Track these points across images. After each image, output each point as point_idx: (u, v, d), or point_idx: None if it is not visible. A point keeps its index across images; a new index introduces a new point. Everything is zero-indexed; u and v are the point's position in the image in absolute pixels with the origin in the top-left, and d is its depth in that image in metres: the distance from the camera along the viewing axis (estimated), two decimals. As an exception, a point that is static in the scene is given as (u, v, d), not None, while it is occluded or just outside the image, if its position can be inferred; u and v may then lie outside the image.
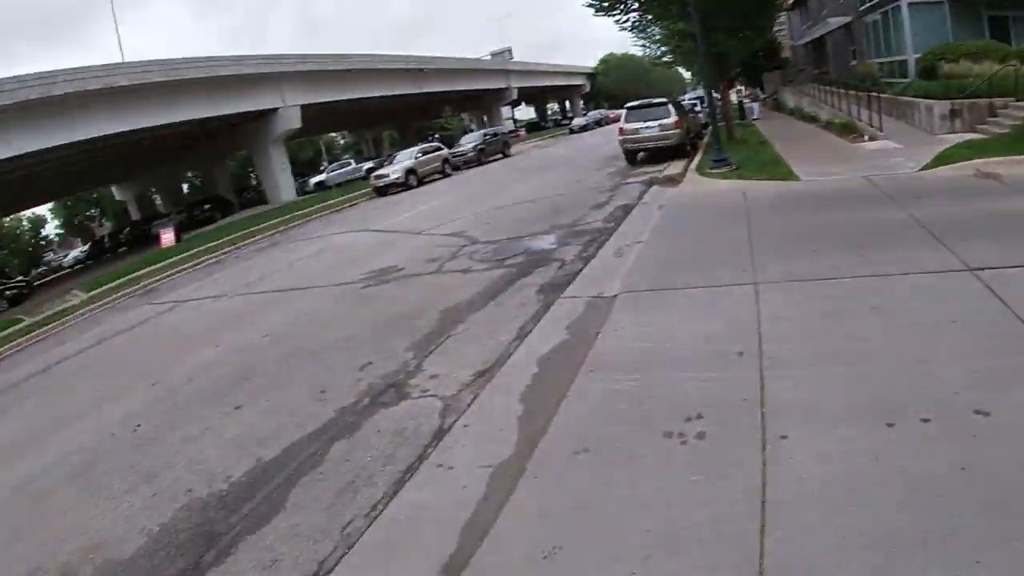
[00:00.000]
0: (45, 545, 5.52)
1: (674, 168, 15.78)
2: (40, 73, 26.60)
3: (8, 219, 67.86)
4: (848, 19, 28.65)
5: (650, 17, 20.53)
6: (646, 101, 19.89)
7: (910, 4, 21.11)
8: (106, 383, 9.93)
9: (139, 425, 7.44)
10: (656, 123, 18.27)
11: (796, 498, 3.47)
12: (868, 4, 24.80)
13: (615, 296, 7.02)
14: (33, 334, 18.38)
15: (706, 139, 21.28)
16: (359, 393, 6.48)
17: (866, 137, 16.27)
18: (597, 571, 3.35)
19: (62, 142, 28.46)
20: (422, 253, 12.22)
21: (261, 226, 27.05)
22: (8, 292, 29.91)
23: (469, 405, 5.53)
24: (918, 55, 19.99)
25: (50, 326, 18.80)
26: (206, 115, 34.81)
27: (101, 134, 30.07)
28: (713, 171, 14.02)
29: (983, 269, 5.93)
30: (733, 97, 33.67)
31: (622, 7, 19.57)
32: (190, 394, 7.99)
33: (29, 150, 27.31)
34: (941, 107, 15.16)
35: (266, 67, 37.81)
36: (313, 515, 4.67)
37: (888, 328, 5.25)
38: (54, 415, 9.23)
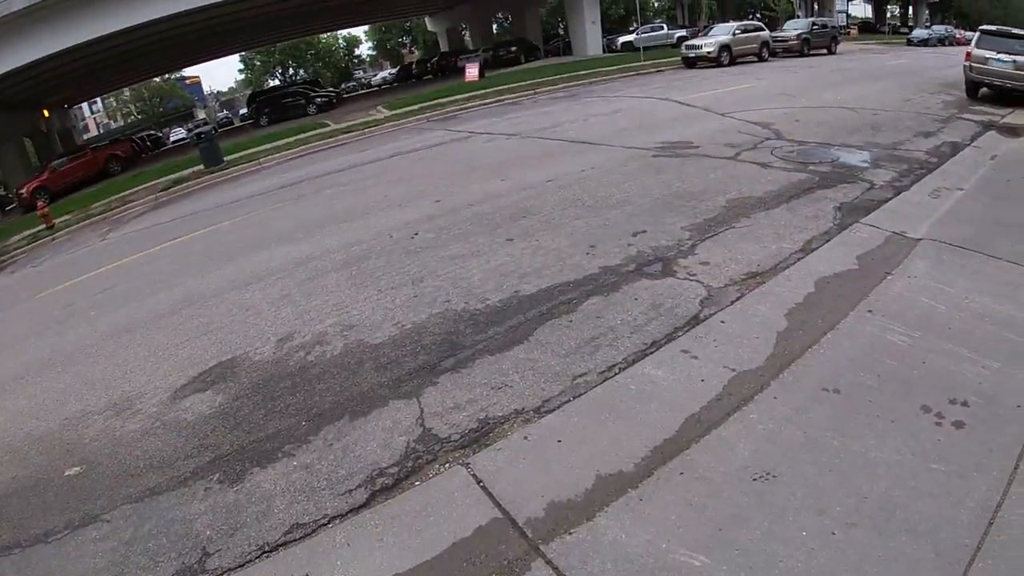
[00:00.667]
0: (308, 314, 6.44)
1: (1019, 117, 13.21)
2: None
3: (325, 35, 74.77)
4: None
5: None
6: (1006, 30, 16.29)
7: None
8: (394, 192, 11.00)
9: (416, 234, 8.20)
10: (1011, 59, 14.97)
11: (1021, 531, 3.03)
12: None
13: (919, 240, 6.22)
14: (336, 138, 20.82)
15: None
16: (626, 257, 6.50)
17: None
18: (798, 515, 3.21)
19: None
20: (721, 136, 11.60)
21: (563, 76, 27.23)
22: (318, 100, 35.64)
23: (732, 303, 5.32)
24: None
25: (351, 134, 21.07)
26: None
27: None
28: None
29: None
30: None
31: None
32: (468, 217, 8.58)
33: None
34: None
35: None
36: (551, 357, 4.88)
37: None
38: (340, 209, 10.49)
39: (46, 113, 39.22)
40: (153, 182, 20.91)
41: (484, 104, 22.93)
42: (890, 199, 7.49)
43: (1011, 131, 12.08)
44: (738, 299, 5.36)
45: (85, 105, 71.44)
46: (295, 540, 3.55)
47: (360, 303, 6.44)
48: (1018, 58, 14.79)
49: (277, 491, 3.96)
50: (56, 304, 9.40)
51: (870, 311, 5.02)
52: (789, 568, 2.93)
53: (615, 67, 29.13)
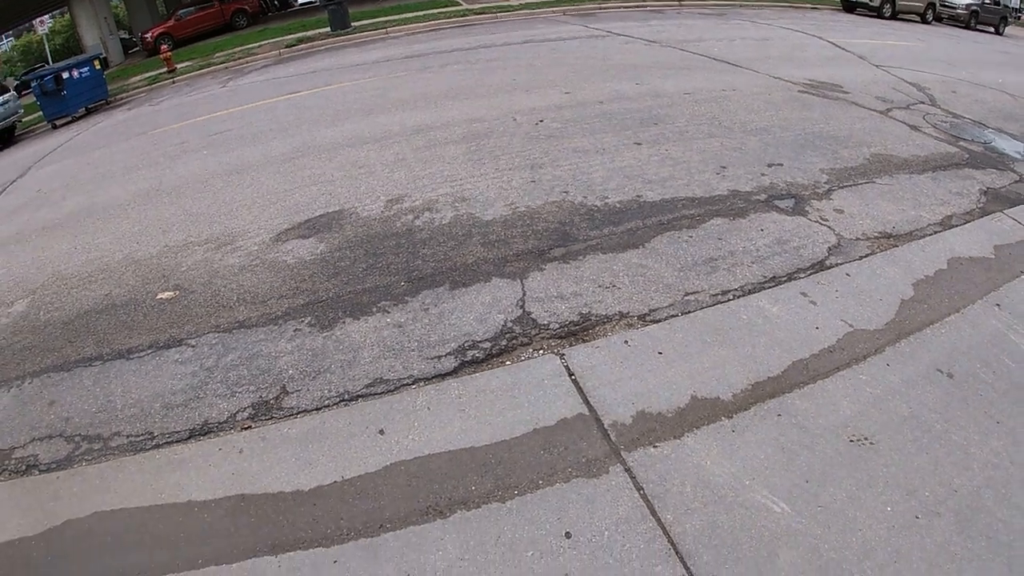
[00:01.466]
0: (421, 180, 6.39)
1: None
2: None
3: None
4: None
5: None
6: None
7: None
8: (521, 77, 10.71)
9: (541, 121, 7.98)
10: None
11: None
12: None
13: None
14: (466, 18, 20.51)
15: None
16: (758, 186, 6.18)
17: None
18: (887, 489, 3.07)
19: None
20: (872, 87, 10.79)
21: (712, -5, 25.76)
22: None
23: (861, 258, 5.01)
24: None
25: (483, 16, 20.64)
26: None
27: None
28: None
29: None
30: None
31: None
32: (597, 114, 8.28)
33: None
34: None
35: None
36: (665, 267, 4.74)
37: None
38: (465, 86, 10.28)
39: (176, -39, 39.46)
40: (278, 39, 21.10)
41: (625, 7, 21.99)
42: (1039, 198, 6.90)
43: None
44: (868, 256, 5.05)
45: (215, -41, 71.62)
46: (376, 394, 3.60)
47: (475, 178, 6.35)
48: None
49: (366, 344, 4.00)
50: (170, 141, 9.67)
51: (998, 305, 4.67)
52: (867, 539, 2.82)
53: (769, -5, 27.37)
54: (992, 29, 29.33)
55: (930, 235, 5.58)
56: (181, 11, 29.48)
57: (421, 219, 5.59)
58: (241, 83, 14.70)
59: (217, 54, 20.35)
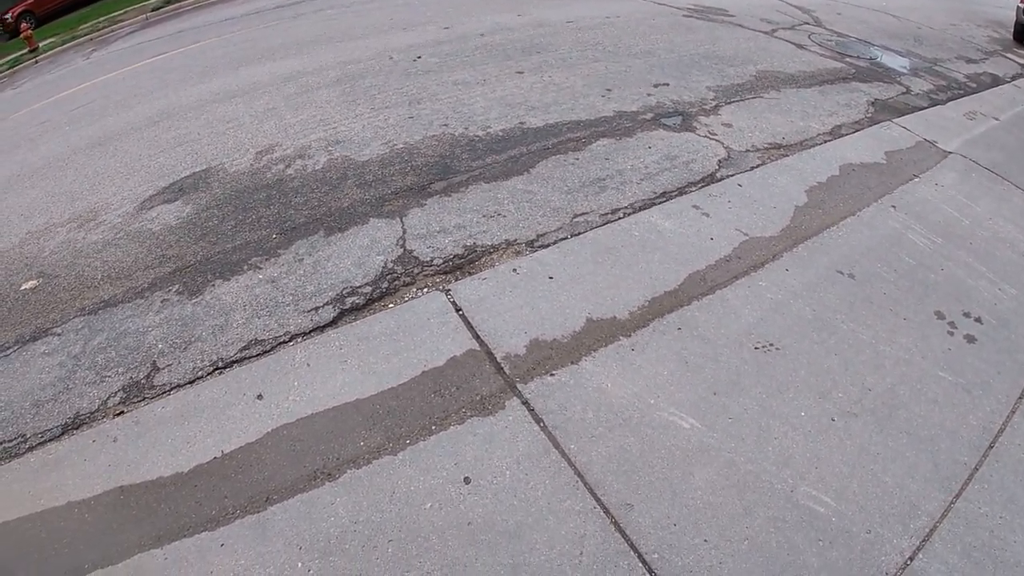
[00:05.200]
0: (292, 128, 5.95)
1: (1062, 67, 12.46)
2: None
3: None
4: None
5: None
6: None
7: None
8: (399, 15, 10.23)
9: (419, 57, 7.59)
10: None
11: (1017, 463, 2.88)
12: None
13: (949, 153, 5.83)
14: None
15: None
16: (644, 106, 6.04)
17: None
18: (799, 394, 3.01)
19: None
20: (758, 10, 10.83)
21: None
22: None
23: (752, 168, 4.94)
24: None
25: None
26: None
27: None
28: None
29: None
30: None
31: None
32: (477, 47, 7.95)
33: None
34: None
35: None
36: (552, 191, 4.55)
37: None
38: (340, 29, 9.73)
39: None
40: (144, 2, 19.77)
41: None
42: (925, 108, 7.00)
43: (1051, 78, 11.28)
44: (759, 166, 4.98)
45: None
46: (251, 357, 3.29)
47: (350, 120, 5.96)
48: None
49: (238, 305, 3.66)
50: (32, 121, 8.91)
51: (893, 207, 4.71)
52: (783, 448, 2.73)
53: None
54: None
55: (820, 144, 5.56)
56: (42, -15, 27.44)
57: (293, 167, 5.18)
58: (105, 53, 13.72)
59: (81, 26, 18.94)
